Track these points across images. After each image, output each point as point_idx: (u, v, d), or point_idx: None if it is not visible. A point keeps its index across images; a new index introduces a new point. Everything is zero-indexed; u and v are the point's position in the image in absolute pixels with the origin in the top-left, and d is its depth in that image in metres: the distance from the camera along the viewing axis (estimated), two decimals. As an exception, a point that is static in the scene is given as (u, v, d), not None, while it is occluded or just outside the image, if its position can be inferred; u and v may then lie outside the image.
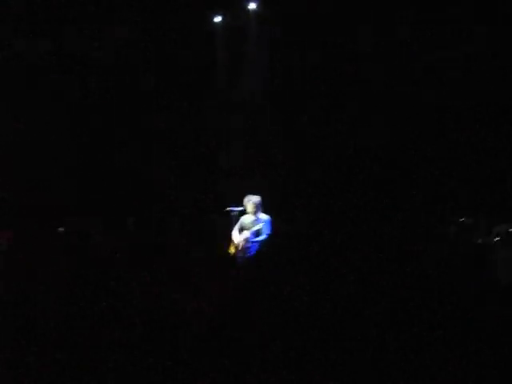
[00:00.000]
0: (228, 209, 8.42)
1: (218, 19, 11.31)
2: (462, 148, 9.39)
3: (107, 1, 10.41)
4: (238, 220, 8.35)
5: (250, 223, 8.19)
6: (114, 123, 11.49)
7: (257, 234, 8.10)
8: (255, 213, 8.20)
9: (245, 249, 8.08)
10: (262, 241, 8.04)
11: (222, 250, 8.48)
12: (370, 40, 10.02)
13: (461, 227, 8.20)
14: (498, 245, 7.52)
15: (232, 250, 8.27)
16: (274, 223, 8.19)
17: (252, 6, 10.86)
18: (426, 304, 5.20)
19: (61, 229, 9.61)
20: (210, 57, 11.52)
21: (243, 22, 11.05)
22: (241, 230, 8.27)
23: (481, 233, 7.82)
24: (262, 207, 8.24)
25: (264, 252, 7.74)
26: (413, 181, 9.71)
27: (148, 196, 11.23)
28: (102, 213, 10.48)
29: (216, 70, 11.65)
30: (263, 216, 8.21)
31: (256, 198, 8.22)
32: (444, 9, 9.28)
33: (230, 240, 8.35)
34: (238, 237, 8.23)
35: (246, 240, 8.08)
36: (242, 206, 8.29)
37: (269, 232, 8.11)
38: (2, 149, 10.51)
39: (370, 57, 10.14)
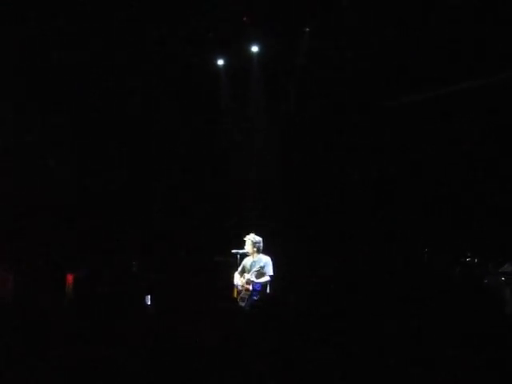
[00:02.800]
0: (233, 251, 8.37)
1: (220, 62, 11.43)
2: (468, 188, 9.35)
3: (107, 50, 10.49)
4: (241, 262, 8.29)
5: (250, 265, 8.11)
6: (119, 166, 11.54)
7: (259, 275, 8.00)
8: (255, 253, 8.11)
9: (248, 290, 7.98)
10: (264, 282, 7.96)
11: (227, 292, 8.43)
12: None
13: (466, 267, 8.12)
14: (505, 284, 7.44)
15: (235, 294, 8.19)
16: (275, 264, 8.10)
17: (254, 48, 10.97)
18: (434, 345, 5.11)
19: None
20: (213, 98, 11.62)
21: (245, 64, 11.16)
22: (242, 271, 8.19)
23: (487, 272, 7.74)
24: (262, 248, 8.16)
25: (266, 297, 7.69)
26: (418, 221, 9.65)
27: (152, 239, 11.22)
28: (107, 257, 10.49)
29: (220, 110, 11.78)
30: (263, 257, 8.11)
31: (256, 238, 8.14)
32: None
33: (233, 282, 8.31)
34: (239, 279, 8.16)
35: (248, 282, 7.99)
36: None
37: (271, 273, 8.01)
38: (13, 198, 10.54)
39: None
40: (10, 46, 9.99)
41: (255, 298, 7.83)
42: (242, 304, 7.80)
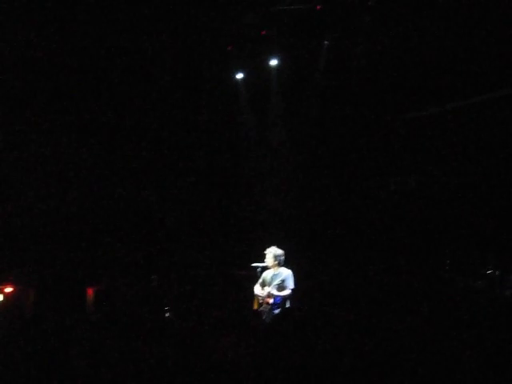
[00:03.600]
0: (253, 264, 8.28)
1: (240, 76, 11.44)
2: (487, 202, 9.26)
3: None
4: (261, 275, 8.19)
5: (271, 278, 8.00)
6: (139, 181, 11.59)
7: (280, 288, 7.91)
8: (276, 266, 8.00)
9: (268, 303, 7.89)
10: (285, 296, 7.86)
11: (248, 306, 8.36)
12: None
13: (487, 280, 8.00)
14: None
15: (255, 305, 8.11)
16: (296, 277, 7.99)
17: (273, 62, 10.96)
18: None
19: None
20: (233, 112, 11.66)
21: (265, 78, 11.18)
22: (262, 285, 8.08)
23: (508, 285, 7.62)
24: (283, 261, 8.06)
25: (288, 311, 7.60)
26: (438, 235, 9.57)
27: (171, 253, 11.23)
28: (127, 271, 10.51)
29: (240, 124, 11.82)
30: (284, 270, 7.99)
31: (277, 251, 8.03)
32: None
33: (253, 296, 8.21)
34: (259, 292, 8.06)
35: (269, 295, 7.90)
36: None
37: (292, 286, 7.91)
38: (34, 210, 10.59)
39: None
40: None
41: (276, 311, 7.76)
42: (263, 317, 7.72)
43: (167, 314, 8.43)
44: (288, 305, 7.90)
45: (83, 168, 11.07)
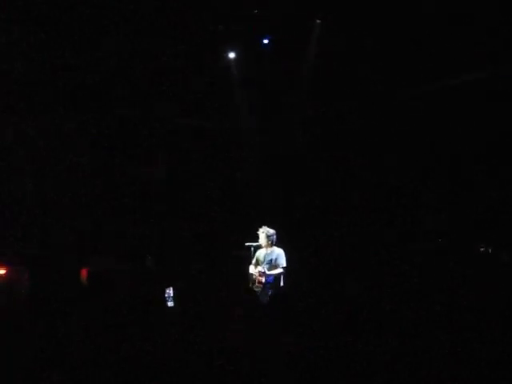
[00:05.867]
0: (247, 244, 8.38)
1: (231, 55, 11.40)
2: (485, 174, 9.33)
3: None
4: (255, 254, 8.30)
5: (264, 257, 8.14)
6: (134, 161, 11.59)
7: (272, 267, 8.01)
8: (269, 245, 8.14)
9: (261, 282, 7.99)
10: (277, 274, 7.97)
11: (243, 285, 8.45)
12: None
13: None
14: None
15: (250, 284, 8.21)
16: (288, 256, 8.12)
17: (265, 41, 10.92)
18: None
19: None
20: (225, 93, 11.61)
21: (257, 58, 11.14)
22: (256, 263, 8.20)
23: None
24: (276, 240, 8.18)
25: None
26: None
27: (166, 233, 11.26)
28: (122, 251, 10.54)
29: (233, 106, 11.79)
30: (277, 249, 8.14)
31: (269, 230, 8.16)
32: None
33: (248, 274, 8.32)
34: (254, 271, 8.16)
35: (261, 273, 8.00)
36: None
37: (284, 265, 8.03)
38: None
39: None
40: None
41: (269, 290, 7.87)
42: (257, 296, 7.84)
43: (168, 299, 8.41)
44: (281, 283, 8.02)
45: (74, 147, 11.05)
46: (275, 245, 8.19)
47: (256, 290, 7.90)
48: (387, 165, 10.38)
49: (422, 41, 9.47)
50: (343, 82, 10.59)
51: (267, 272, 7.99)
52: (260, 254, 8.23)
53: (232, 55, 11.34)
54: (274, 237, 8.17)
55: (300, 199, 11.28)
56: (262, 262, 8.10)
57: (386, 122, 10.43)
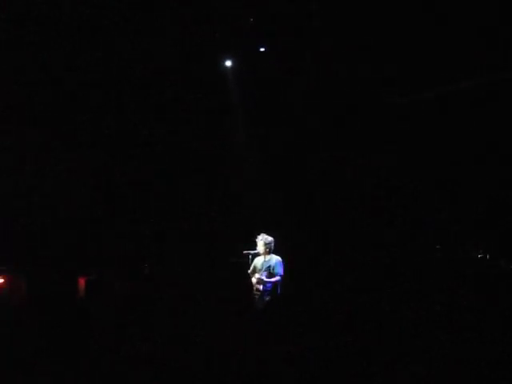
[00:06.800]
0: (245, 252, 8.38)
1: (228, 63, 11.42)
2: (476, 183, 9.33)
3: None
4: (252, 262, 8.29)
5: (261, 264, 8.15)
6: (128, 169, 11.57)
7: (269, 275, 8.01)
8: (267, 253, 8.14)
9: (259, 290, 7.99)
10: (274, 282, 7.98)
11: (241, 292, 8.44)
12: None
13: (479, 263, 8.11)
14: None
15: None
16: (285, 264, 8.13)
17: (262, 49, 10.95)
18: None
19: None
20: (222, 100, 11.62)
21: (254, 65, 11.15)
22: (254, 271, 8.20)
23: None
24: (273, 248, 8.19)
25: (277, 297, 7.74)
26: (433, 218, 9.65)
27: (164, 241, 11.25)
28: (119, 259, 10.53)
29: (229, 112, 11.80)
30: (275, 257, 8.14)
31: (267, 238, 8.17)
32: None
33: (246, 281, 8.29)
34: (251, 278, 8.15)
35: (259, 281, 7.99)
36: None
37: (282, 273, 8.03)
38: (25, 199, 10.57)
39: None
40: None
41: (266, 298, 7.88)
42: (255, 304, 7.87)
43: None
44: (278, 291, 8.03)
45: (71, 158, 11.04)
46: (273, 252, 8.17)
47: (253, 296, 7.93)
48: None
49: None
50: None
51: (265, 279, 7.97)
52: (258, 261, 8.23)
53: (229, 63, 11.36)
54: (272, 244, 8.17)
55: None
56: (260, 270, 8.09)
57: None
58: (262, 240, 8.15)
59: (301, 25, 10.13)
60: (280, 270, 8.03)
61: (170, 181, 11.80)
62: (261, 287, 7.98)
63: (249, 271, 8.25)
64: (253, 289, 8.07)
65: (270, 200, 11.27)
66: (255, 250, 8.25)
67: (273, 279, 8.00)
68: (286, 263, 8.17)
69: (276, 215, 10.84)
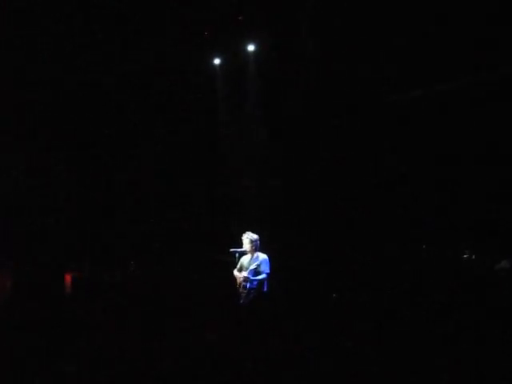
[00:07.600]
0: (231, 250, 8.38)
1: (217, 61, 11.43)
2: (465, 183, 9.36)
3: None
4: (239, 260, 8.30)
5: (248, 262, 8.13)
6: (117, 167, 11.56)
7: (256, 273, 8.02)
8: (253, 251, 8.14)
9: (244, 288, 8.00)
10: (261, 279, 7.98)
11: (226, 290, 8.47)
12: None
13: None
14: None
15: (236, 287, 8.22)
16: (272, 262, 8.13)
17: (251, 48, 10.98)
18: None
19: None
20: (211, 98, 11.63)
21: (242, 63, 11.17)
22: (240, 269, 8.20)
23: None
24: (259, 246, 8.18)
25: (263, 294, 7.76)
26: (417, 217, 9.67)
27: (150, 239, 11.24)
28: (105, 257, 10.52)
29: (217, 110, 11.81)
30: (261, 255, 8.14)
31: (253, 236, 8.17)
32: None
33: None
34: (237, 276, 8.17)
35: (245, 279, 8.01)
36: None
37: (268, 271, 8.04)
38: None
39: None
40: None
41: (252, 296, 7.89)
42: (240, 301, 7.90)
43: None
44: (265, 289, 8.04)
45: (60, 155, 11.01)
46: (259, 251, 8.19)
47: (240, 294, 7.95)
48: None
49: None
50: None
51: (251, 278, 7.99)
52: (244, 259, 8.23)
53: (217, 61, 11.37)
54: (258, 242, 8.18)
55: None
56: (247, 268, 8.08)
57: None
58: (248, 238, 8.16)
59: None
60: (266, 268, 8.04)
61: (158, 177, 11.81)
62: (247, 285, 7.98)
63: (235, 269, 8.26)
64: (239, 287, 8.09)
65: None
66: (242, 248, 8.26)
67: (259, 277, 8.00)
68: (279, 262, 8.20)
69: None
